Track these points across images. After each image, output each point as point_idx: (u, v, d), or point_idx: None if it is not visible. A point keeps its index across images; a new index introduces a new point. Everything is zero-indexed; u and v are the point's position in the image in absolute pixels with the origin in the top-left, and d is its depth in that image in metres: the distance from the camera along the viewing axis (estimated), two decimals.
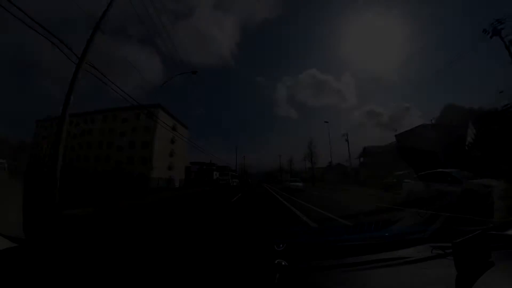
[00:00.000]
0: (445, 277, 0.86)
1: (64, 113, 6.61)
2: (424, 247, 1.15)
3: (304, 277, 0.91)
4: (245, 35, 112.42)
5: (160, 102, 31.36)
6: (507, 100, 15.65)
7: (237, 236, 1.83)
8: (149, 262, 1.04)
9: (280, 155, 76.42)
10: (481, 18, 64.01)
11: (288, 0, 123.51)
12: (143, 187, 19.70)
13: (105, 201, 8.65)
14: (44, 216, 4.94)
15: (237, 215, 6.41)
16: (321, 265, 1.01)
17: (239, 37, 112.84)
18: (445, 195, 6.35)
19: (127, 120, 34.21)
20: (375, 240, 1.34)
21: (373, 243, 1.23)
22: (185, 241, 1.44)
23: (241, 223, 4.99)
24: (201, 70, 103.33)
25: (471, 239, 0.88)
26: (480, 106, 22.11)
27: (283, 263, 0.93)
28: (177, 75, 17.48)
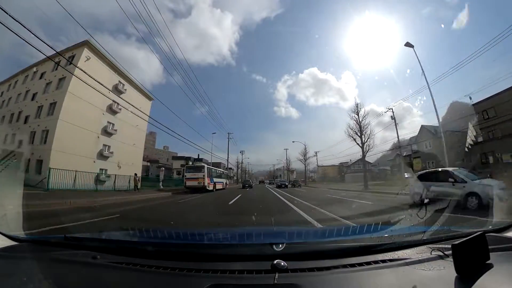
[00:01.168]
0: (444, 278, 0.86)
1: None
2: (423, 249, 1.13)
3: (303, 278, 0.89)
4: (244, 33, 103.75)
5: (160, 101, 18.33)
6: None
7: (236, 235, 1.84)
8: (145, 260, 1.04)
9: (287, 148, 63.20)
10: (482, 18, 58.11)
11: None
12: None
13: None
14: None
15: None
16: (320, 266, 0.98)
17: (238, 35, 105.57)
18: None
19: (45, 74, 21.32)
20: (374, 241, 1.26)
21: (372, 244, 1.17)
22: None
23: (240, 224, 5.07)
24: (201, 68, 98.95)
25: (471, 241, 0.87)
26: None
27: (282, 264, 0.92)
28: None
